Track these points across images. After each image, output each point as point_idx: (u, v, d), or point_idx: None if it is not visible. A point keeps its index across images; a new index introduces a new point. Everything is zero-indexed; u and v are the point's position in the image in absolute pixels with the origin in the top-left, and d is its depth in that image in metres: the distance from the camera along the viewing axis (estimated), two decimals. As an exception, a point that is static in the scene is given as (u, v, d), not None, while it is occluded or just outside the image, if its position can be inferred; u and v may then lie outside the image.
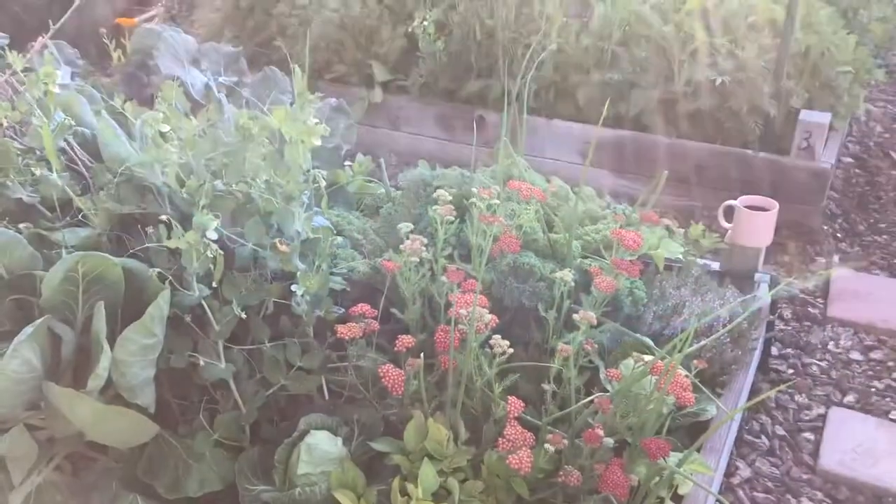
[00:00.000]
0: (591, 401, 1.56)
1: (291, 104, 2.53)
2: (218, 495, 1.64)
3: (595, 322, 1.58)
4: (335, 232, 1.99)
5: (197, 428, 1.66)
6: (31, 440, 1.46)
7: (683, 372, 1.59)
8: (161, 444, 1.64)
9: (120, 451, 1.66)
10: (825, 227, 3.10)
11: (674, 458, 1.53)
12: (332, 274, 1.86)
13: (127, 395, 1.50)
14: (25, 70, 1.80)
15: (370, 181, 2.61)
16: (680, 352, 1.42)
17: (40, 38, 2.46)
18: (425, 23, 3.41)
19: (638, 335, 1.88)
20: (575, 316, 1.57)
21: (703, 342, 1.52)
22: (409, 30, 3.55)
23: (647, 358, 1.62)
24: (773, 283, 2.21)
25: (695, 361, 1.64)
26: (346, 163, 2.59)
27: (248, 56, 2.83)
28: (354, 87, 3.73)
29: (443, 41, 3.47)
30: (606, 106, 2.13)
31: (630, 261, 1.77)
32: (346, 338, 1.64)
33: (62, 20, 1.78)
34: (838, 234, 3.09)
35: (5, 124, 1.63)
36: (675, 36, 3.07)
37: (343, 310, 1.79)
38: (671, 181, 2.13)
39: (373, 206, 2.51)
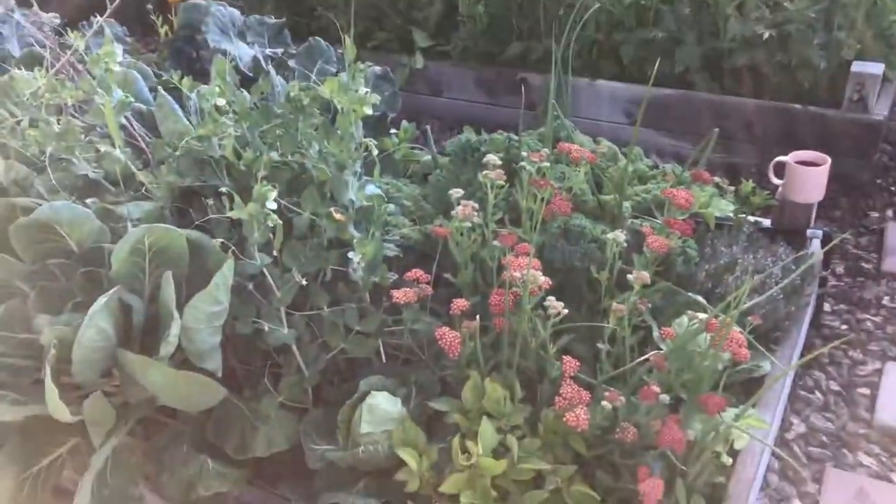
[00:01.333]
0: (646, 359, 1.58)
1: (336, 73, 2.57)
2: (284, 455, 1.70)
3: (648, 282, 1.59)
4: (386, 200, 2.02)
5: (262, 391, 1.72)
6: (108, 405, 1.53)
7: (738, 329, 1.59)
8: (228, 407, 1.70)
9: (189, 414, 1.73)
10: (878, 181, 3.04)
11: (729, 413, 1.54)
12: (384, 241, 1.89)
13: (195, 361, 1.56)
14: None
15: (416, 148, 2.64)
16: (736, 308, 1.43)
17: (93, 17, 2.52)
18: (465, -14, 3.40)
19: (690, 294, 1.89)
20: (628, 276, 1.59)
21: (756, 299, 1.52)
22: (449, -6, 3.55)
23: (702, 315, 1.63)
24: (825, 239, 2.19)
25: (749, 318, 1.64)
26: (392, 130, 2.62)
27: (289, 27, 2.86)
28: (395, 55, 3.74)
29: (483, 4, 3.45)
30: (655, 65, 2.10)
31: (682, 220, 1.77)
32: (402, 302, 1.68)
33: (118, 1, 1.82)
34: (892, 188, 3.03)
35: (70, 104, 1.68)
36: (721, -10, 3.02)
37: (397, 275, 1.83)
38: (719, 139, 2.11)
39: (420, 173, 2.54)
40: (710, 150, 2.00)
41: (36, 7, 2.05)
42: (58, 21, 2.69)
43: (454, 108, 3.72)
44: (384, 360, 1.83)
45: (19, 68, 2.09)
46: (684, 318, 1.77)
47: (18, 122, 1.75)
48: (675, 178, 1.99)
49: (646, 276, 1.58)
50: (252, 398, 1.73)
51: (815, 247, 2.15)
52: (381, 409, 1.64)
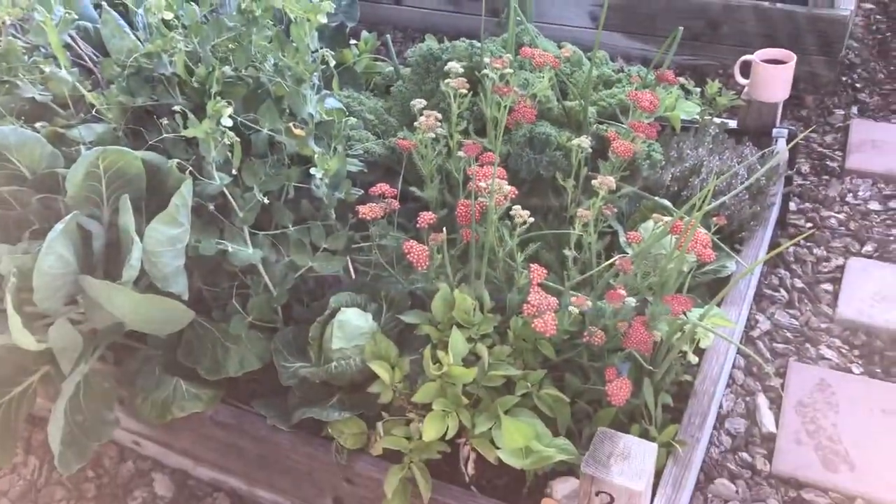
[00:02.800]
0: (612, 263, 1.59)
1: (291, -17, 2.47)
2: (256, 374, 1.71)
3: (614, 187, 1.58)
4: (347, 113, 1.98)
5: (231, 312, 1.71)
6: (75, 332, 1.51)
7: (702, 230, 1.60)
8: (198, 329, 1.70)
9: (159, 339, 1.72)
10: (843, 79, 3.03)
11: (695, 314, 1.57)
12: (348, 156, 1.86)
13: (161, 285, 1.55)
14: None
15: (377, 59, 2.57)
16: (699, 210, 1.43)
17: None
18: None
19: (656, 198, 1.89)
20: (593, 182, 1.58)
21: (721, 199, 1.52)
22: None
23: (667, 219, 1.64)
24: (790, 138, 2.19)
25: (714, 219, 1.65)
26: (351, 41, 2.54)
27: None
28: (353, -38, 3.60)
29: None
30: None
31: (647, 123, 1.76)
32: (368, 218, 1.66)
33: None
34: (857, 85, 3.03)
35: (8, 22, 1.60)
36: None
37: (362, 191, 1.81)
38: (685, 40, 2.08)
39: (382, 85, 2.48)
40: (673, 49, 1.96)
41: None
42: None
43: (416, 16, 3.62)
44: (353, 277, 1.83)
45: (-47, -13, 1.98)
46: (650, 223, 1.78)
47: (-45, 45, 1.67)
48: (640, 80, 1.96)
49: (611, 181, 1.57)
50: (221, 319, 1.72)
51: (781, 146, 2.16)
52: (351, 324, 1.64)
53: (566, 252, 1.62)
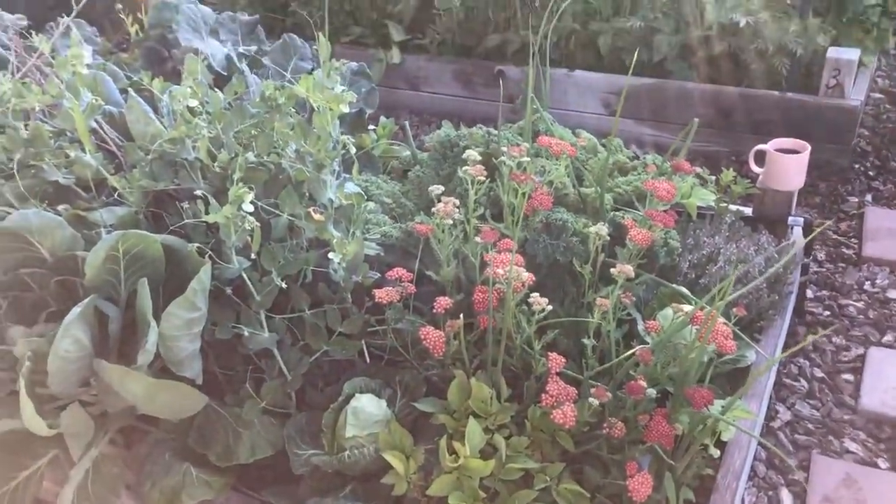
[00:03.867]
0: (632, 353, 1.57)
1: (312, 70, 2.53)
2: (269, 461, 1.67)
3: (632, 275, 1.58)
4: (366, 198, 2.00)
5: (244, 397, 1.69)
6: (87, 417, 1.50)
7: (723, 320, 1.59)
8: (210, 414, 1.67)
9: (170, 422, 1.70)
10: (856, 166, 3.06)
11: (716, 405, 1.54)
12: (365, 239, 1.87)
13: (175, 369, 1.53)
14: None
15: (395, 144, 2.61)
16: (721, 300, 1.42)
17: (60, 19, 2.46)
18: (440, -21, 3.36)
19: (674, 285, 1.88)
20: (612, 270, 1.57)
21: (741, 290, 1.51)
22: (424, -13, 3.51)
23: (686, 308, 1.63)
24: (806, 227, 2.19)
25: (734, 309, 1.64)
26: (370, 126, 2.59)
27: (263, 23, 2.82)
28: (371, 49, 3.71)
29: (459, -3, 3.43)
30: (635, 54, 2.08)
31: (664, 211, 1.76)
32: (384, 302, 1.65)
33: (83, 2, 1.78)
34: (870, 173, 3.04)
35: (38, 108, 1.64)
36: (697, -22, 3.01)
37: (379, 274, 1.80)
38: (697, 126, 2.10)
39: (399, 169, 2.51)
40: (690, 139, 1.99)
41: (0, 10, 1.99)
42: (24, 23, 2.63)
43: (432, 102, 3.70)
44: (368, 361, 1.81)
45: (-15, 73, 2.04)
46: (669, 311, 1.77)
47: (-15, 129, 1.71)
48: (656, 169, 1.98)
49: (629, 269, 1.56)
50: (234, 404, 1.70)
51: (797, 235, 2.15)
52: (365, 411, 1.62)
53: (585, 341, 1.60)
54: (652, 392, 1.49)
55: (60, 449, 1.62)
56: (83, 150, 1.67)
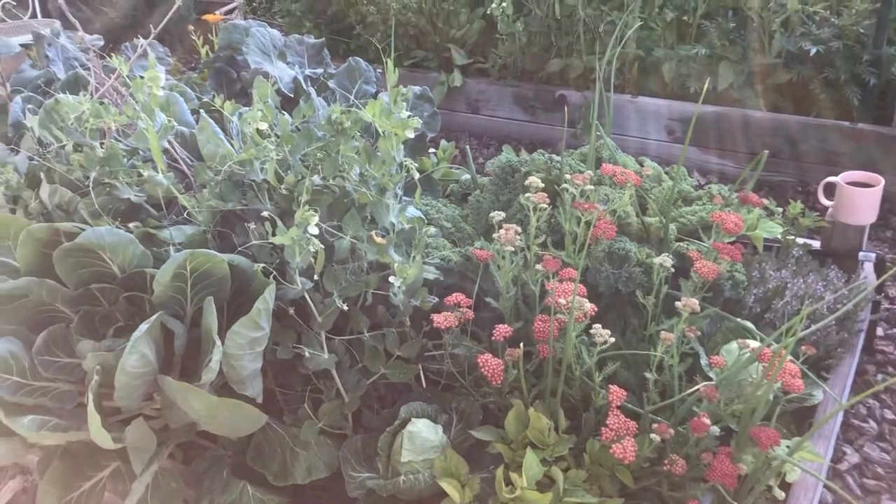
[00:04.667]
0: (696, 389, 1.53)
1: (376, 94, 2.56)
2: (323, 482, 1.68)
3: (697, 309, 1.54)
4: (427, 222, 2.00)
5: (302, 417, 1.70)
6: (150, 432, 1.52)
7: (790, 358, 1.54)
8: (268, 432, 1.69)
9: (228, 439, 1.72)
10: (930, 200, 2.95)
11: (781, 445, 1.49)
12: (424, 263, 1.87)
13: (237, 387, 1.55)
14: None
15: (454, 167, 2.62)
16: (792, 336, 1.38)
17: (136, 39, 2.55)
18: (503, 4, 3.38)
19: (738, 319, 1.84)
20: (677, 303, 1.54)
21: (811, 327, 1.47)
22: (487, 12, 3.53)
23: (752, 343, 1.59)
24: (878, 263, 2.12)
25: (802, 347, 1.59)
26: (430, 149, 2.60)
27: (327, 45, 2.88)
28: (433, 73, 3.74)
29: (522, 21, 3.43)
30: (699, 82, 2.05)
31: (731, 244, 1.73)
32: (443, 327, 1.65)
33: (163, 23, 1.83)
34: (945, 207, 2.94)
35: (113, 128, 1.69)
36: (765, 5, 2.95)
37: (437, 299, 1.81)
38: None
39: (459, 193, 2.51)
40: (759, 171, 1.94)
41: (81, 31, 2.07)
42: (101, 43, 2.73)
43: (491, 125, 3.71)
44: (424, 386, 1.81)
45: (64, 92, 2.12)
46: (733, 345, 1.73)
47: (63, 147, 1.77)
48: (722, 200, 1.94)
49: (695, 303, 1.53)
50: (292, 423, 1.71)
51: (868, 271, 2.09)
52: (421, 436, 1.61)
53: (647, 375, 1.57)
54: (715, 430, 1.45)
55: (122, 461, 1.64)
56: (155, 169, 1.71)
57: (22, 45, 2.78)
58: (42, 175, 1.81)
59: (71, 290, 1.61)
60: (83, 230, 1.55)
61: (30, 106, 2.24)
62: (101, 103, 1.71)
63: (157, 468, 1.60)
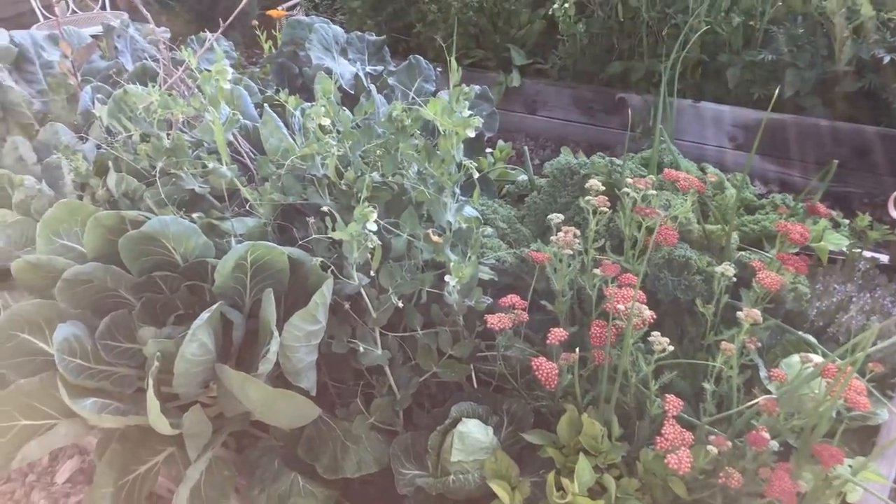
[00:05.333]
0: (756, 402, 1.50)
1: (435, 92, 2.56)
2: (372, 477, 1.69)
3: (760, 320, 1.51)
4: (483, 222, 2.00)
5: (354, 411, 1.71)
6: (206, 420, 1.55)
7: (856, 375, 1.49)
8: (320, 425, 1.70)
9: (281, 430, 1.74)
10: None
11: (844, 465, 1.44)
12: (480, 264, 1.87)
13: (292, 379, 1.57)
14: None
15: (511, 168, 2.61)
16: (861, 352, 1.34)
17: (202, 33, 2.59)
18: (566, 5, 3.35)
19: (800, 332, 1.79)
20: (738, 314, 1.51)
21: (880, 345, 1.42)
22: (549, 12, 3.50)
23: (816, 358, 1.54)
24: (950, 279, 2.05)
25: (870, 364, 1.54)
26: (487, 149, 2.60)
27: (388, 43, 2.89)
28: (491, 72, 3.73)
29: (583, 23, 3.40)
30: (776, 90, 2.00)
31: (796, 255, 1.68)
32: (496, 328, 1.64)
33: (231, 17, 1.86)
34: None
35: (181, 120, 1.72)
36: (837, 11, 2.87)
37: (491, 299, 1.80)
38: (827, 166, 2.00)
39: (515, 194, 2.50)
40: (828, 181, 1.89)
41: (151, 23, 2.11)
42: (167, 35, 2.79)
43: (548, 126, 3.68)
44: (475, 386, 1.80)
45: (132, 83, 2.17)
46: (794, 358, 1.69)
47: (130, 136, 1.81)
48: (787, 210, 1.90)
49: (757, 314, 1.49)
50: (344, 417, 1.72)
51: (939, 287, 2.01)
52: (472, 437, 1.61)
53: (706, 385, 1.54)
54: (774, 444, 1.42)
55: (177, 447, 1.68)
56: (220, 161, 1.74)
57: (92, 36, 2.85)
58: (110, 163, 1.85)
59: (135, 277, 1.64)
60: (148, 219, 1.58)
61: (99, 95, 2.30)
62: (170, 94, 1.75)
63: (211, 455, 1.63)
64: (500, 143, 2.76)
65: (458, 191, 1.82)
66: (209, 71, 1.73)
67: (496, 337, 1.70)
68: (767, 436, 1.40)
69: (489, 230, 2.00)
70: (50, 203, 1.86)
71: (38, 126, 2.49)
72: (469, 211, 1.86)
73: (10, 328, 1.58)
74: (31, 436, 1.55)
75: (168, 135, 1.78)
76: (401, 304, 1.65)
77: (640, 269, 1.78)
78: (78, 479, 2.17)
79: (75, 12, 4.53)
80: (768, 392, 1.57)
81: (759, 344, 1.63)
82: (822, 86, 2.97)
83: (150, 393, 1.43)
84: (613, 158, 2.14)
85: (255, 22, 3.81)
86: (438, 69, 2.64)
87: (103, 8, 4.56)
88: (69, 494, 2.11)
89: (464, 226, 1.77)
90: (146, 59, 2.56)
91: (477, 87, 2.56)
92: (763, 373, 1.71)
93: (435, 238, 1.69)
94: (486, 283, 1.87)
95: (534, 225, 2.18)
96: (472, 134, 1.68)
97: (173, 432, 1.48)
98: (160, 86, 1.87)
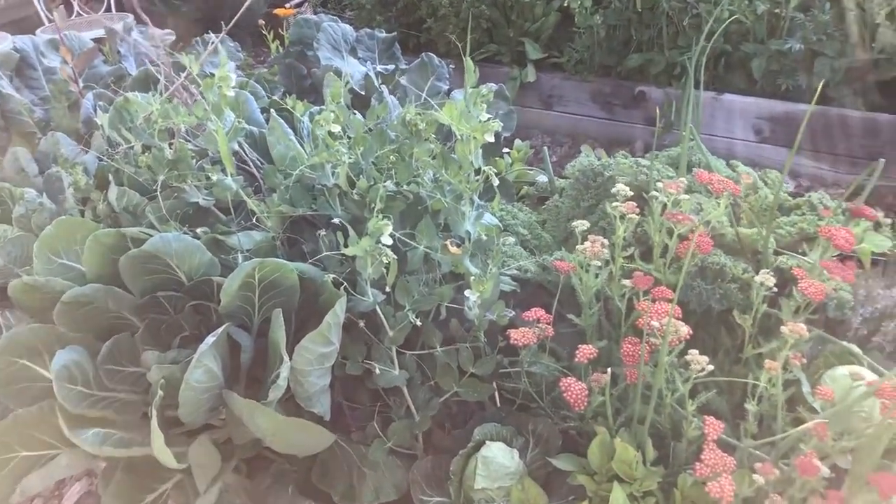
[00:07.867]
0: (800, 422, 1.39)
1: (449, 91, 2.46)
2: (392, 504, 1.60)
3: (806, 335, 1.40)
4: (503, 229, 1.90)
5: (370, 434, 1.62)
6: (214, 450, 1.46)
7: (911, 392, 1.39)
8: (335, 450, 1.62)
9: (294, 455, 1.65)
10: None
11: (899, 490, 1.34)
12: (501, 274, 1.77)
13: (304, 404, 1.48)
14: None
15: (530, 169, 2.50)
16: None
17: (206, 35, 2.50)
18: (582, -4, 3.23)
19: (843, 342, 1.68)
20: (783, 329, 1.40)
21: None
22: (564, 4, 3.38)
23: (865, 373, 1.44)
24: None
25: (923, 379, 1.43)
26: (504, 149, 2.49)
27: (399, 39, 2.79)
28: (505, 67, 3.62)
29: (600, 14, 3.28)
30: (796, 79, 1.89)
31: (841, 261, 1.57)
32: (520, 344, 1.54)
33: (234, 19, 1.76)
34: None
35: (183, 129, 1.63)
36: (868, -4, 2.74)
37: (513, 312, 1.70)
38: (861, 158, 1.88)
39: (534, 196, 2.40)
40: (874, 180, 1.78)
41: (151, 27, 2.02)
42: (172, 38, 2.70)
43: (565, 121, 3.56)
44: (498, 405, 1.70)
45: (134, 89, 2.08)
46: (838, 371, 1.58)
47: (131, 147, 1.72)
48: (828, 211, 1.78)
49: (803, 329, 1.39)
50: (360, 441, 1.63)
51: None
52: (496, 462, 1.51)
53: (748, 406, 1.44)
54: (825, 471, 1.31)
55: (185, 473, 1.59)
56: (224, 172, 1.64)
57: (95, 40, 2.76)
58: (110, 176, 1.77)
59: (137, 298, 1.56)
60: (150, 236, 1.49)
61: (101, 102, 2.21)
62: (170, 102, 1.66)
63: (221, 485, 1.54)
64: (518, 142, 2.66)
65: (476, 198, 1.72)
66: (213, 76, 1.64)
67: (519, 352, 1.61)
68: (819, 464, 1.30)
69: (511, 239, 1.90)
70: (51, 218, 1.78)
71: (41, 134, 2.41)
72: (489, 219, 1.76)
73: (7, 354, 1.51)
74: (30, 468, 1.48)
75: (170, 145, 1.69)
76: (419, 322, 1.55)
77: (672, 280, 1.68)
78: (86, 502, 2.09)
79: (80, 14, 4.45)
80: (813, 409, 1.46)
81: (805, 360, 1.53)
82: (853, 75, 2.84)
83: (154, 424, 1.34)
84: (639, 159, 2.03)
85: (262, 21, 3.72)
86: (451, 65, 2.53)
87: (109, 9, 4.48)
88: (77, 519, 2.04)
89: (484, 237, 1.67)
90: (148, 62, 2.47)
91: (493, 86, 2.45)
92: (806, 387, 1.60)
93: (454, 249, 1.59)
94: (508, 294, 1.77)
95: (556, 230, 2.07)
96: (490, 139, 1.57)
97: (180, 466, 1.40)
98: (161, 93, 1.78)
